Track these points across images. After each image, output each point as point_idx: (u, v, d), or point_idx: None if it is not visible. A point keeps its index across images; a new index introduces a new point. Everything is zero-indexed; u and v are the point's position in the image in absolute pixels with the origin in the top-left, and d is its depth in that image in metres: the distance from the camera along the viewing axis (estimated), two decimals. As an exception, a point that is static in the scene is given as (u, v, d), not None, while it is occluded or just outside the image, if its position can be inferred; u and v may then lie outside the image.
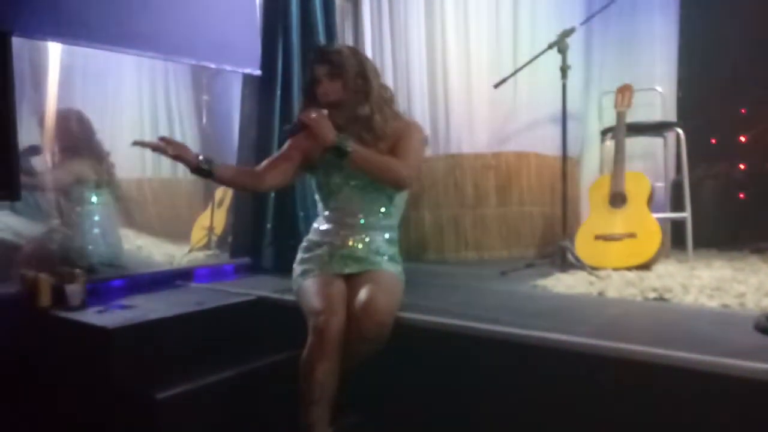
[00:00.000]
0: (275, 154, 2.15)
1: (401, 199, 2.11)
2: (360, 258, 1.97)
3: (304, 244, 2.10)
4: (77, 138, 2.97)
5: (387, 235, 2.06)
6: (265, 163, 2.10)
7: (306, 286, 1.92)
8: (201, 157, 1.89)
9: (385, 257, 2.01)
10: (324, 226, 2.07)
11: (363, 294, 1.78)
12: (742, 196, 3.79)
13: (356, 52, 2.06)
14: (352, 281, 1.90)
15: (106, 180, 3.01)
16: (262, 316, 2.34)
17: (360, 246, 1.98)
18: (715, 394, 1.43)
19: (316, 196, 2.14)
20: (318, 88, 1.98)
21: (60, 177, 2.95)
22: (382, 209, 2.06)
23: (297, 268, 2.04)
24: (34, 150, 2.94)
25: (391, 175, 1.95)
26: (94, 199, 2.96)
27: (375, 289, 1.81)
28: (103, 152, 3.05)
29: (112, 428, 1.94)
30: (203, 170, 1.89)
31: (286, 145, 2.10)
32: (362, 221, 2.02)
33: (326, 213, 2.09)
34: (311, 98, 2.00)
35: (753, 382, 1.37)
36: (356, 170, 1.95)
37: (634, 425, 1.54)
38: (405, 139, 2.01)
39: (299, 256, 2.07)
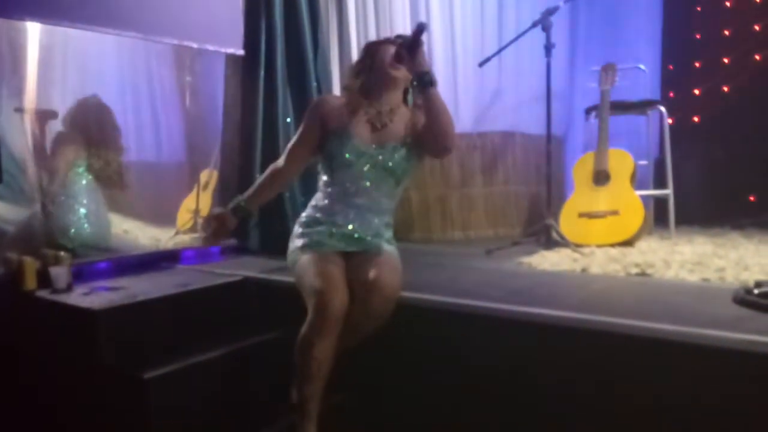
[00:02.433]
0: (290, 142, 2.13)
1: (403, 185, 2.09)
2: (360, 239, 1.96)
3: (303, 219, 2.05)
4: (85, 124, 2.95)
5: (386, 219, 2.04)
6: (283, 157, 2.10)
7: (305, 262, 1.88)
8: (231, 205, 2.10)
9: (384, 239, 2.01)
10: (324, 203, 2.02)
11: (371, 272, 1.79)
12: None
13: None
14: (352, 260, 1.90)
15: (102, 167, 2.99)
16: (248, 296, 2.34)
17: (361, 229, 1.96)
18: (694, 364, 1.46)
19: (320, 167, 2.09)
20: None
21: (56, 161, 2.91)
22: (387, 193, 2.02)
23: (296, 241, 1.99)
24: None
25: (452, 129, 1.97)
26: (82, 182, 2.92)
27: (381, 266, 1.82)
28: (112, 142, 3.02)
29: (100, 409, 1.95)
30: (245, 212, 2.13)
31: (300, 131, 2.09)
32: (366, 202, 1.98)
33: (329, 189, 2.03)
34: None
35: (732, 352, 1.40)
36: (429, 107, 1.96)
37: (617, 397, 1.57)
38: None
39: (298, 230, 2.02)
